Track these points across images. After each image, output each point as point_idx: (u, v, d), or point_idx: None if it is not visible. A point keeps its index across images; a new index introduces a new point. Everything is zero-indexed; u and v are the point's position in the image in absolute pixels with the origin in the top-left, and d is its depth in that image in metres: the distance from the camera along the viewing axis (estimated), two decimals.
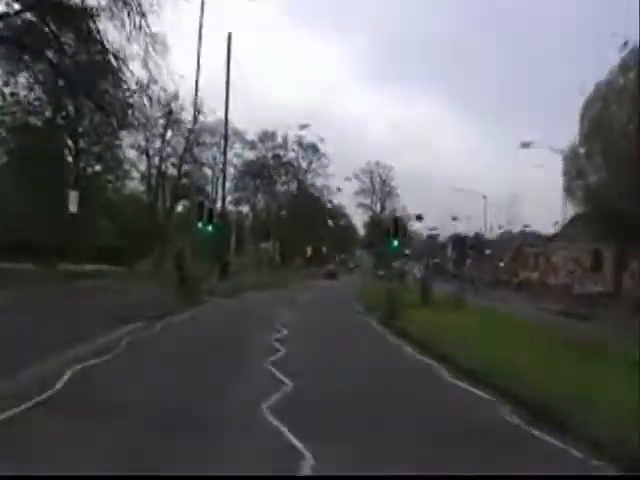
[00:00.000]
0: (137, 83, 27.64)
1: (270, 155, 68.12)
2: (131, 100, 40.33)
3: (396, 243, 20.62)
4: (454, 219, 72.73)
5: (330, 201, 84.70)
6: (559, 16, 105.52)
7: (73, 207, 25.12)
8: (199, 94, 40.83)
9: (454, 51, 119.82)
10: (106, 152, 39.57)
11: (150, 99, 27.32)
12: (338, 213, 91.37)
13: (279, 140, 66.65)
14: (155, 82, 25.19)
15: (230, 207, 62.98)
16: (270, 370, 9.61)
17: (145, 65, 24.18)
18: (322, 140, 67.89)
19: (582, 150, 36.66)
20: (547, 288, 60.83)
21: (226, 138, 39.07)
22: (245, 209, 71.73)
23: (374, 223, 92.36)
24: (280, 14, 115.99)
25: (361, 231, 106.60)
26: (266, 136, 66.80)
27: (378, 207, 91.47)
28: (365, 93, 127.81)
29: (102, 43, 25.88)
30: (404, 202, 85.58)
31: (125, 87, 29.61)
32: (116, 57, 23.83)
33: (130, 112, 41.40)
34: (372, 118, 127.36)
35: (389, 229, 21.33)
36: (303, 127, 47.51)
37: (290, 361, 10.63)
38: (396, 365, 11.63)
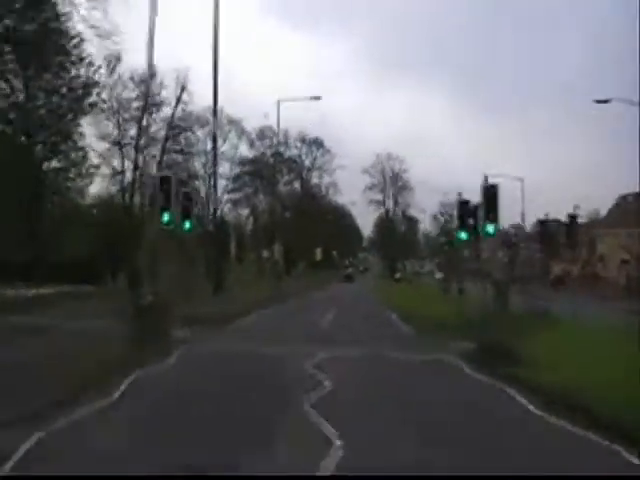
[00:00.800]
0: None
1: (269, 153, 59.92)
2: (96, 76, 32.65)
3: (491, 229, 12.30)
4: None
5: (335, 201, 77.23)
6: None
7: None
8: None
9: (467, 38, 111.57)
10: (65, 142, 31.61)
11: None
12: (342, 213, 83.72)
13: (280, 138, 58.07)
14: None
15: (227, 209, 55.45)
16: None
17: None
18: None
19: None
20: (597, 282, 53.22)
21: (215, 112, 31.20)
22: (245, 212, 63.64)
23: (387, 220, 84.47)
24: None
25: (366, 231, 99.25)
26: (263, 135, 58.63)
27: (390, 204, 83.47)
28: (376, 84, 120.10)
29: None
30: (419, 197, 78.62)
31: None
32: None
33: (95, 92, 33.72)
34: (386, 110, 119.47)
35: (472, 209, 13.12)
36: (315, 98, 39.82)
37: None
38: None
